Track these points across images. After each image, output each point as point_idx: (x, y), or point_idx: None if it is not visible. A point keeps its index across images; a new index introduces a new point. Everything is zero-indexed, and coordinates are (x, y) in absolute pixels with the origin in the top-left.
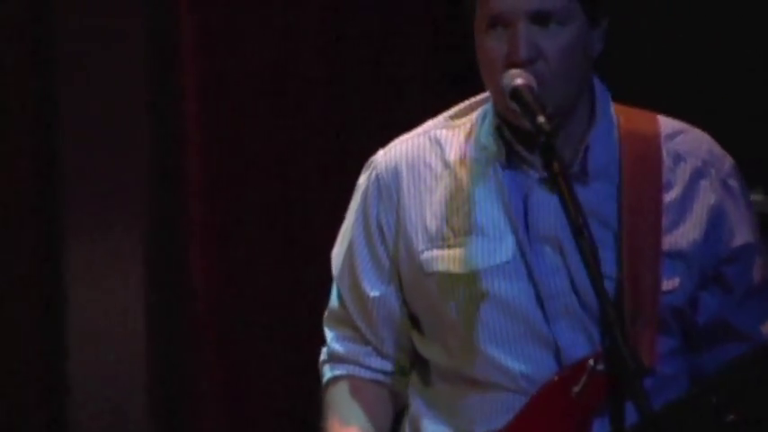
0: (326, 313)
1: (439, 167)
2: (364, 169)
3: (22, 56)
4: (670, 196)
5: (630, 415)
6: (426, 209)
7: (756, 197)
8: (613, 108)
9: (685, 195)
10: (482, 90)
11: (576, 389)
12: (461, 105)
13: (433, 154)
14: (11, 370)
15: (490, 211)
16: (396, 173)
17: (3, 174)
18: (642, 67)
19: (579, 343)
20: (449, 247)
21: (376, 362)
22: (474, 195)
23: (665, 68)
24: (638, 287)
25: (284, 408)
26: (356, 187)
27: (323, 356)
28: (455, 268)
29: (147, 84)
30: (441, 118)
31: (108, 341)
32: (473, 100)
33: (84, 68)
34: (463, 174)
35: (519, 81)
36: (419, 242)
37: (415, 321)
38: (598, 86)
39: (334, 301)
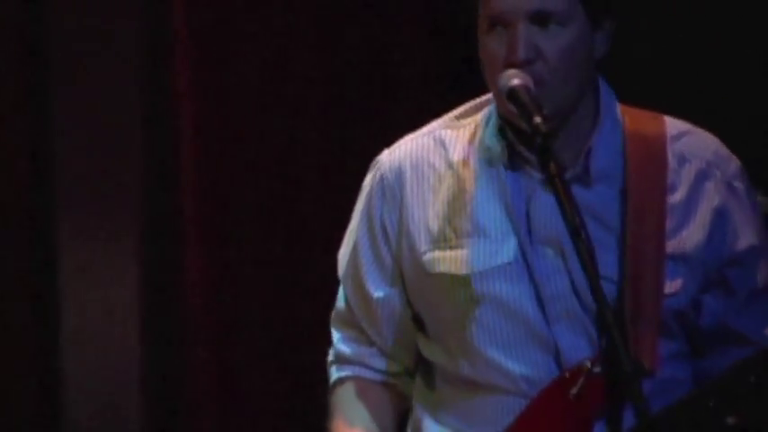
0: (333, 314)
1: (442, 168)
2: (370, 169)
3: (17, 56)
4: (674, 198)
5: (629, 417)
6: (429, 209)
7: (760, 198)
8: (619, 109)
9: (690, 197)
10: (482, 90)
11: (574, 391)
12: (467, 105)
13: (437, 154)
14: (6, 369)
15: (492, 213)
16: (400, 173)
17: None
18: (648, 67)
19: (580, 346)
20: (451, 248)
21: (381, 363)
22: (476, 196)
23: (671, 69)
24: (639, 290)
25: (280, 407)
26: (362, 187)
27: (330, 357)
28: (456, 269)
29: (143, 83)
30: (446, 118)
31: (103, 341)
32: (479, 100)
33: (78, 68)
34: (466, 175)
35: (516, 81)
36: (422, 243)
37: (419, 323)
38: (603, 87)
39: (340, 301)
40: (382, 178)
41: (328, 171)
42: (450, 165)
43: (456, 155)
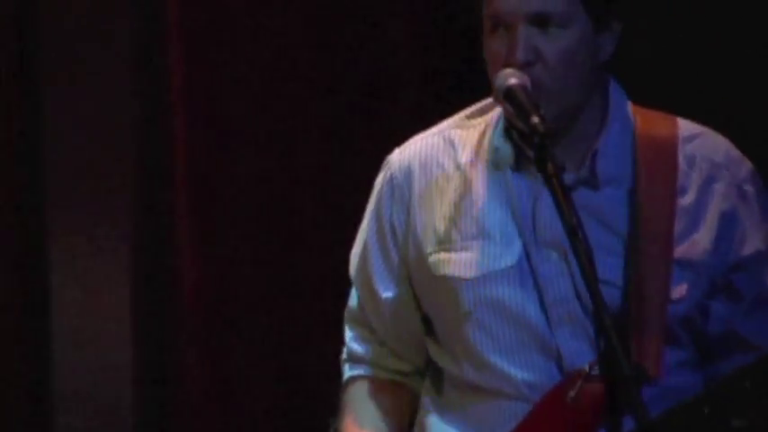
0: (346, 312)
1: (450, 169)
2: (381, 168)
3: (7, 55)
4: (684, 201)
5: (629, 423)
6: (436, 210)
7: None
8: (631, 110)
9: (699, 200)
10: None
11: (572, 395)
12: (479, 104)
13: (446, 155)
14: None
15: (498, 215)
16: (409, 172)
17: None
18: (660, 68)
19: (582, 350)
20: (456, 250)
21: (392, 362)
22: (482, 198)
23: (683, 70)
24: (644, 295)
25: (273, 409)
26: (373, 186)
27: (343, 355)
28: (460, 272)
29: (137, 83)
30: (457, 117)
31: (96, 342)
32: (490, 99)
33: (69, 67)
34: (473, 176)
35: (512, 81)
36: (428, 244)
37: (428, 325)
38: (614, 88)
39: (352, 300)
40: (392, 178)
41: (325, 171)
42: (458, 165)
43: (464, 155)
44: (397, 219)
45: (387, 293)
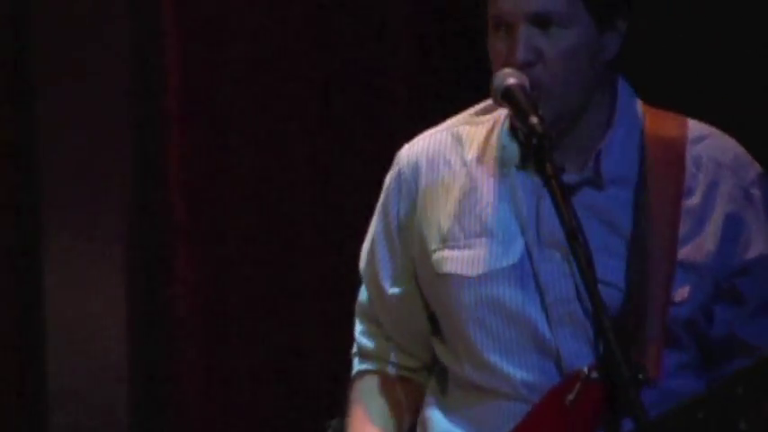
0: (356, 306)
1: (457, 166)
2: (392, 165)
3: (4, 53)
4: (690, 203)
5: (628, 424)
6: (441, 207)
7: None
8: (641, 110)
9: (705, 202)
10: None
11: (570, 397)
12: (489, 101)
13: (453, 151)
14: None
15: (501, 214)
16: (416, 168)
17: None
18: (670, 68)
19: (581, 352)
20: (459, 248)
21: (399, 358)
22: (487, 196)
23: (696, 69)
24: (646, 297)
25: (269, 409)
26: (384, 182)
27: (353, 349)
28: (462, 270)
29: (130, 82)
30: (466, 113)
31: (90, 342)
32: None
33: (66, 67)
34: (479, 173)
35: (510, 81)
36: (432, 241)
37: (434, 323)
38: (622, 88)
39: (362, 294)
40: (400, 173)
41: (324, 171)
42: (464, 163)
43: (471, 153)
44: (404, 215)
45: (393, 289)
